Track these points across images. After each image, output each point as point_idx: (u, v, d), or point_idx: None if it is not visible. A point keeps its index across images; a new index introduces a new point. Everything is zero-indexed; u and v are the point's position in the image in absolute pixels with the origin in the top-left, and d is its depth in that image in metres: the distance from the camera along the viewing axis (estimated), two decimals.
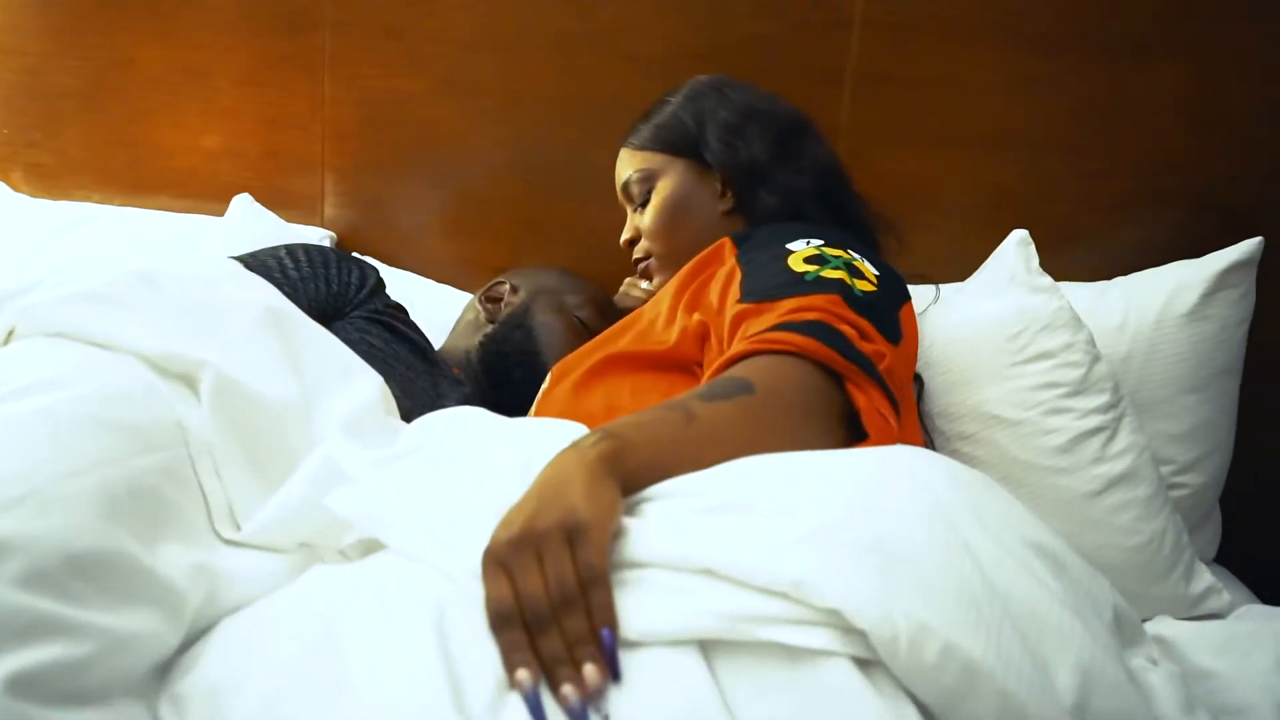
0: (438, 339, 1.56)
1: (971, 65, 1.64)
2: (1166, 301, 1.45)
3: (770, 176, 1.30)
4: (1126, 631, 0.78)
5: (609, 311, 1.55)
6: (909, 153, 1.68)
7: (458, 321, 1.62)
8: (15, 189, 2.01)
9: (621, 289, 1.54)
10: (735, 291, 1.08)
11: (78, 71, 1.96)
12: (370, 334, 1.31)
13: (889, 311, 1.09)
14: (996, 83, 1.64)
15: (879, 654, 0.61)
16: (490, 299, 1.58)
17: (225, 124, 1.94)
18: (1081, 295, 1.48)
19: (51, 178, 2.03)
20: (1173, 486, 1.41)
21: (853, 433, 0.96)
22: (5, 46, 1.97)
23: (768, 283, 1.07)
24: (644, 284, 1.50)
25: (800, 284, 1.04)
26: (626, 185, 1.38)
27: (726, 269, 1.14)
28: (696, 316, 1.11)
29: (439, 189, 1.90)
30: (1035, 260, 1.37)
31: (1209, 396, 1.45)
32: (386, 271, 1.64)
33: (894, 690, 0.62)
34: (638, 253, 1.40)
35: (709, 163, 1.33)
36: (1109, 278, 1.56)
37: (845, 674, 0.61)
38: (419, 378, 1.33)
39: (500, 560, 0.68)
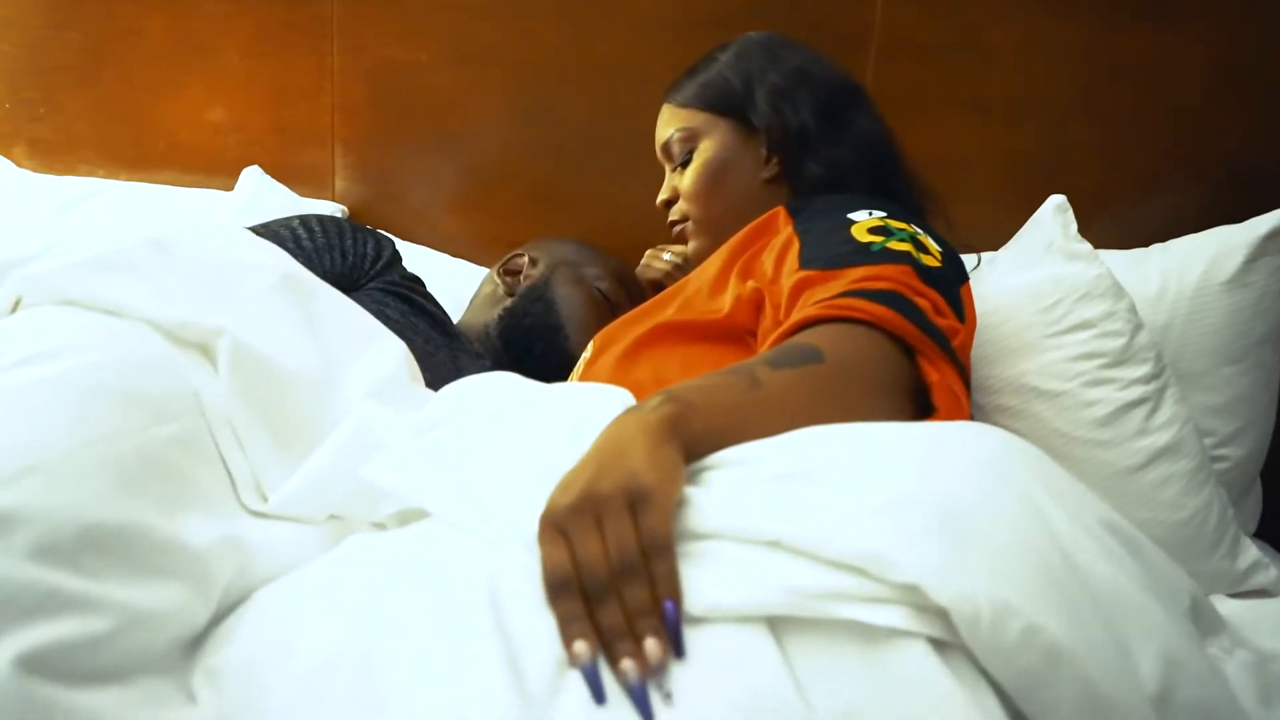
0: (454, 314, 1.52)
1: (996, 29, 1.61)
2: (1207, 268, 1.40)
3: (818, 145, 1.24)
4: (1204, 620, 0.75)
5: (630, 284, 1.51)
6: (933, 120, 1.64)
7: (475, 295, 1.58)
8: (18, 164, 1.98)
9: (644, 260, 1.49)
10: (793, 260, 1.03)
11: (80, 44, 1.92)
12: (387, 306, 1.27)
13: (954, 288, 1.05)
14: (1022, 47, 1.61)
15: (959, 633, 0.57)
16: (509, 272, 1.54)
17: (232, 96, 1.90)
18: (1118, 262, 1.44)
19: (55, 153, 1.99)
20: (1213, 459, 1.37)
21: (920, 408, 0.92)
22: (6, 19, 1.93)
23: (832, 251, 1.02)
24: (666, 255, 1.46)
25: (867, 253, 1.00)
26: (667, 144, 1.32)
27: (782, 238, 1.09)
28: (751, 284, 1.06)
29: (450, 161, 1.86)
30: (1073, 226, 1.32)
31: (1249, 367, 1.41)
32: (400, 245, 1.60)
33: (973, 676, 0.58)
34: (674, 214, 1.33)
35: (755, 126, 1.27)
36: (1136, 247, 1.52)
37: (923, 658, 0.57)
38: (438, 351, 1.29)
39: (558, 525, 0.64)
